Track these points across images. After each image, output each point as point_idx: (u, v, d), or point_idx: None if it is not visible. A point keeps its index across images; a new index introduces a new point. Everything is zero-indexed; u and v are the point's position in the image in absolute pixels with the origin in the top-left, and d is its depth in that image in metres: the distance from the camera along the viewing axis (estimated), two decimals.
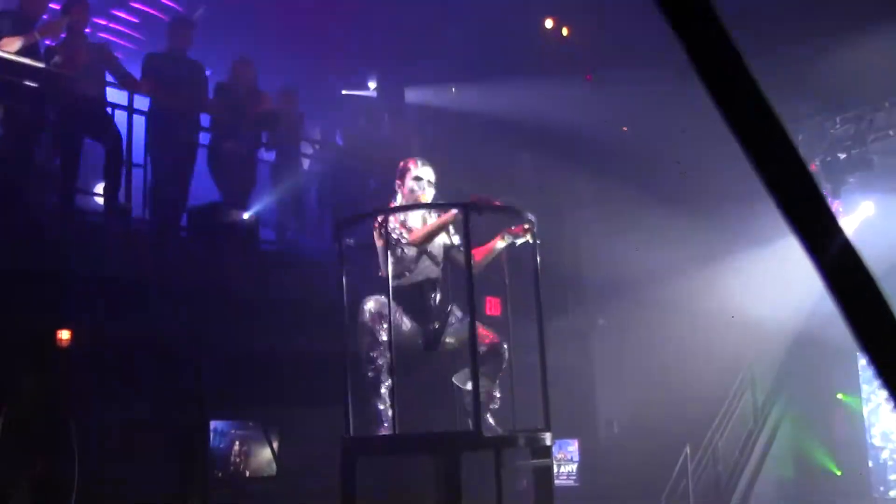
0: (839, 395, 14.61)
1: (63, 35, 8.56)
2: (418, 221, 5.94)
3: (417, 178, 5.96)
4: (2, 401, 6.77)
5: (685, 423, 12.59)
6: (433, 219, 5.86)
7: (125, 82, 8.89)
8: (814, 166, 12.17)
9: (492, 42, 12.90)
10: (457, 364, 5.66)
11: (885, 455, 14.25)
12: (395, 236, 5.70)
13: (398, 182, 6.02)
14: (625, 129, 13.59)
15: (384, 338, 5.36)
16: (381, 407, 5.36)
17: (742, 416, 13.84)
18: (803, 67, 10.63)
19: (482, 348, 5.37)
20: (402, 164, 6.08)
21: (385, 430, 5.31)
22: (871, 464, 14.21)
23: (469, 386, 5.15)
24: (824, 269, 1.02)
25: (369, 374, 5.42)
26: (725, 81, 1.02)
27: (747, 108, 1.03)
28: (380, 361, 5.39)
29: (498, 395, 5.71)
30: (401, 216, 5.82)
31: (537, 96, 12.66)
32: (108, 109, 8.76)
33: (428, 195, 5.96)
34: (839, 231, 1.03)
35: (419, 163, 6.06)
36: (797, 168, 1.03)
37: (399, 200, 5.96)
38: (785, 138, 1.04)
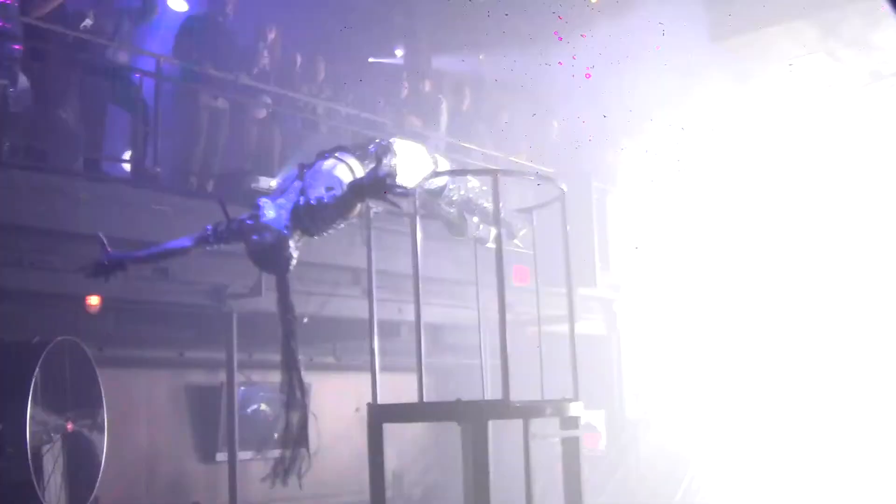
0: None
1: None
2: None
3: None
4: (35, 362, 6.85)
5: (713, 396, 12.55)
6: None
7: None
8: None
9: (520, 8, 12.79)
10: None
11: None
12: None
13: None
14: (651, 100, 13.46)
15: None
16: None
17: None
18: None
19: None
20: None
21: None
22: None
23: None
24: None
25: None
26: None
27: None
28: None
29: None
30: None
31: (564, 63, 12.57)
32: (136, 76, 8.76)
33: None
34: None
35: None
36: None
37: None
38: None
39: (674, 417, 12.43)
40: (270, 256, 4.96)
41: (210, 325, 8.98)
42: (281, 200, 4.96)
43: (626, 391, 13.01)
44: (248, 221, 4.89)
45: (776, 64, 12.29)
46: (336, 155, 5.17)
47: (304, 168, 5.12)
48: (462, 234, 5.93)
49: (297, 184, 5.03)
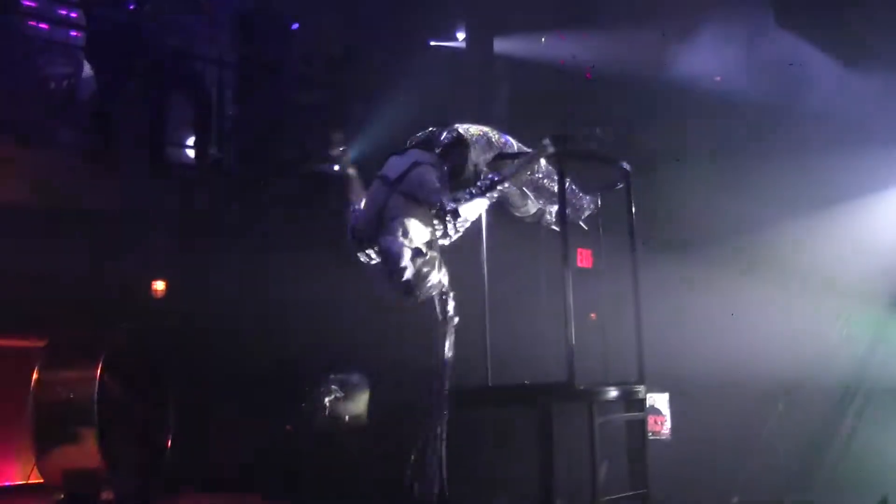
0: None
1: None
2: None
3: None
4: (101, 349, 6.93)
5: (777, 381, 12.33)
6: None
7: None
8: None
9: None
10: None
11: None
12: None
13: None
14: (718, 78, 13.22)
15: None
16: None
17: (836, 378, 13.38)
18: None
19: None
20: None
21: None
22: None
23: None
24: None
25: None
26: None
27: None
28: None
29: None
30: None
31: (625, 45, 12.42)
32: (196, 63, 8.80)
33: None
34: None
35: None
36: None
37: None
38: None
39: (739, 402, 12.24)
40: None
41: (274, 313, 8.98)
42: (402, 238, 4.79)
43: (690, 374, 12.84)
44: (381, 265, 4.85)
45: None
46: (421, 164, 5.01)
47: (394, 183, 4.96)
48: (525, 213, 5.84)
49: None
